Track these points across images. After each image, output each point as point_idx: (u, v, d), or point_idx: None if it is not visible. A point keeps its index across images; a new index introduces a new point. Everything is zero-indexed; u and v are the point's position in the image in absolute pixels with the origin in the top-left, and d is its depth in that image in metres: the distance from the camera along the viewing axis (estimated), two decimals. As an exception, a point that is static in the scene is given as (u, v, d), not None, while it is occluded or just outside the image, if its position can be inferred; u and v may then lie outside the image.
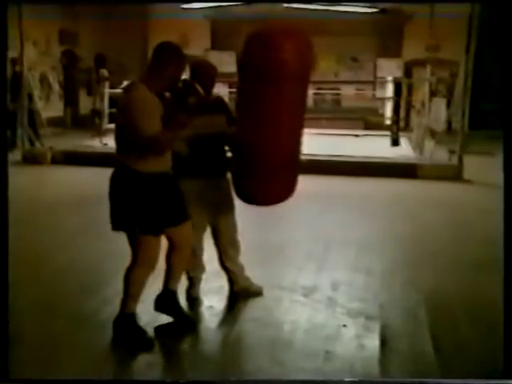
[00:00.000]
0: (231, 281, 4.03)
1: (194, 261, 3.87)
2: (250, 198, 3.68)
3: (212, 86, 3.80)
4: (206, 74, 3.73)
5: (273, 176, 3.48)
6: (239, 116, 3.58)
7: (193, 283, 3.96)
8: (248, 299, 3.97)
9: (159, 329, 3.49)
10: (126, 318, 3.33)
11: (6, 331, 2.43)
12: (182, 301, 3.90)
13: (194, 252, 3.84)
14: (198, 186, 3.65)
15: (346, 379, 3.01)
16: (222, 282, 4.08)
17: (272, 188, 3.57)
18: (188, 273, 3.92)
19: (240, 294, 4.02)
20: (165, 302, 3.54)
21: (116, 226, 3.38)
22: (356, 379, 3.02)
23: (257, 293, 4.03)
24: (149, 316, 3.55)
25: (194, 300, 3.93)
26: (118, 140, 3.25)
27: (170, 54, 3.22)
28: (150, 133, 2.99)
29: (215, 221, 3.88)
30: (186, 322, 3.60)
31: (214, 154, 3.76)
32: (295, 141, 3.54)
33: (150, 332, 3.41)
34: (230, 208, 3.92)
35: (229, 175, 3.84)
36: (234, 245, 3.98)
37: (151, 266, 3.32)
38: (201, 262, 3.95)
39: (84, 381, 3.00)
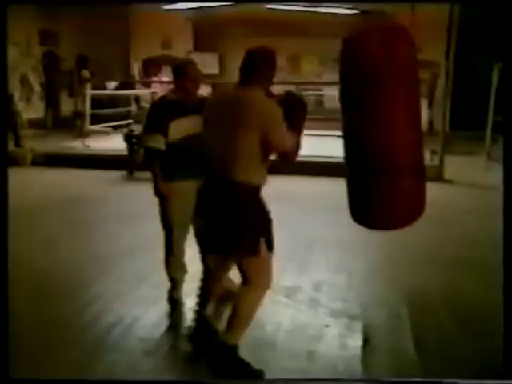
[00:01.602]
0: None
1: (176, 262, 3.88)
2: (372, 221, 2.99)
3: (198, 86, 3.79)
4: (192, 74, 3.71)
5: (400, 192, 2.85)
6: (348, 130, 2.95)
7: (175, 285, 3.95)
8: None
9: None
10: (230, 351, 3.01)
11: (6, 331, 2.41)
12: (164, 303, 3.91)
13: (174, 253, 3.84)
14: (181, 188, 3.65)
15: (346, 379, 3.03)
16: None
17: (399, 206, 2.89)
18: (169, 274, 3.92)
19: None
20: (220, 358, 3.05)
21: (218, 249, 3.06)
22: (356, 379, 3.03)
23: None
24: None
25: (176, 302, 3.92)
26: (221, 150, 2.85)
27: (274, 57, 2.99)
28: (286, 142, 2.80)
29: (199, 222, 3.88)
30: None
31: (196, 154, 3.75)
32: (418, 147, 2.92)
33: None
34: None
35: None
36: None
37: (268, 286, 3.05)
38: (182, 263, 3.94)
39: (84, 381, 3.00)
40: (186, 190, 3.65)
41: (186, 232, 3.86)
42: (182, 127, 3.62)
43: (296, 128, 2.89)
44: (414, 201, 2.93)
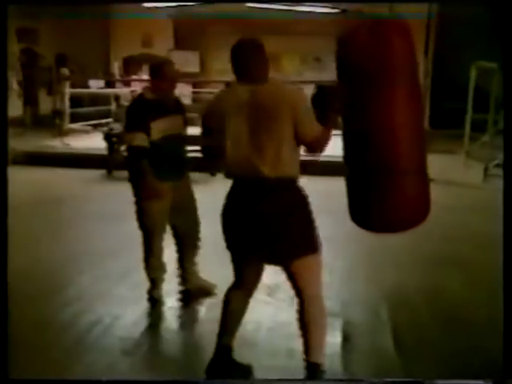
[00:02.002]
0: (185, 279, 4.03)
1: (156, 262, 3.86)
2: (374, 223, 2.94)
3: (175, 86, 3.79)
4: (169, 74, 3.68)
5: (403, 192, 2.80)
6: (349, 131, 2.94)
7: (155, 285, 3.93)
8: (210, 298, 3.97)
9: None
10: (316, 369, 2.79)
11: (6, 331, 2.41)
12: (144, 302, 3.89)
13: (154, 253, 3.82)
14: (159, 187, 3.63)
15: (347, 379, 3.04)
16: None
17: (401, 207, 2.83)
18: (149, 274, 3.90)
19: (194, 292, 4.02)
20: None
21: (271, 254, 2.74)
22: (356, 379, 3.04)
23: (210, 291, 4.04)
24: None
25: (156, 301, 3.90)
26: (259, 149, 2.64)
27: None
28: (316, 131, 2.68)
29: (176, 221, 3.87)
30: None
31: (178, 155, 3.76)
32: (420, 145, 2.92)
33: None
34: (191, 208, 3.92)
35: (191, 175, 3.86)
36: (194, 244, 3.99)
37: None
38: (162, 262, 3.92)
39: (84, 381, 2.98)
40: (166, 190, 3.65)
41: (164, 232, 3.85)
42: (161, 127, 3.61)
43: (328, 122, 2.72)
44: (417, 202, 2.87)
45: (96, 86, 13.53)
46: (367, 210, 2.87)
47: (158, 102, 3.64)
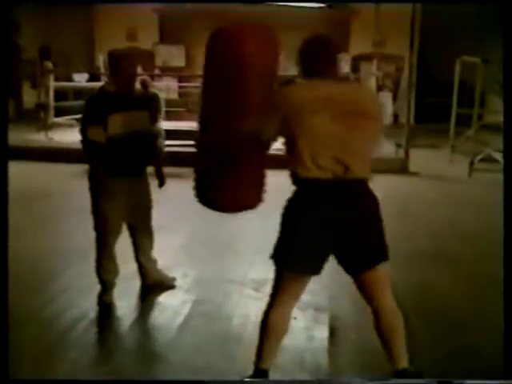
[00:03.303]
0: (143, 275, 4.00)
1: (110, 263, 3.79)
2: (214, 204, 3.14)
3: (132, 80, 3.65)
4: (125, 68, 3.55)
5: (240, 178, 3.00)
6: (204, 112, 3.13)
7: (107, 287, 3.81)
8: (198, 293, 3.97)
9: None
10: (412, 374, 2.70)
11: (6, 331, 2.38)
12: (128, 298, 3.86)
13: (109, 253, 3.76)
14: (116, 185, 3.57)
15: (347, 379, 3.02)
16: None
17: (240, 192, 3.06)
18: (101, 275, 3.79)
19: (152, 287, 4.00)
20: None
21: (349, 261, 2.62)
22: (357, 379, 3.02)
23: (169, 285, 4.03)
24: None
25: (108, 305, 3.79)
26: (346, 148, 2.50)
27: None
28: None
29: (133, 219, 3.83)
30: None
31: (133, 152, 3.62)
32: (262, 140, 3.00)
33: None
34: (148, 206, 3.89)
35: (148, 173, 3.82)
36: (149, 241, 3.96)
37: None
38: (116, 264, 3.82)
39: (84, 381, 2.95)
40: (123, 188, 3.60)
41: (119, 232, 3.76)
42: (121, 122, 3.50)
43: None
44: (257, 188, 3.12)
45: (81, 79, 13.37)
46: (214, 192, 3.03)
47: (118, 96, 3.53)
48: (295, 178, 2.55)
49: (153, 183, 3.89)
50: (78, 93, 12.94)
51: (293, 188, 2.59)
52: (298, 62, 2.65)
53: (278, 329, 2.68)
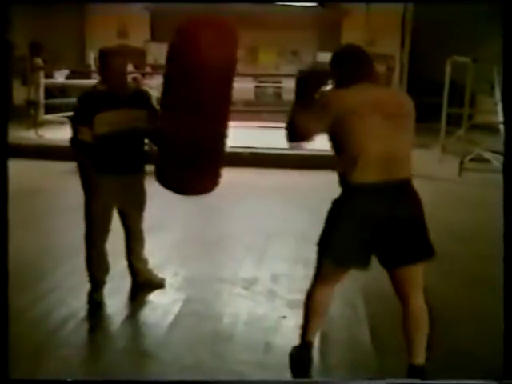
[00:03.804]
0: (134, 273, 4.00)
1: (101, 261, 3.78)
2: (173, 188, 3.46)
3: (122, 78, 3.65)
4: (113, 66, 3.53)
5: (196, 166, 3.31)
6: (163, 106, 3.41)
7: (97, 285, 3.80)
8: (185, 292, 3.96)
9: None
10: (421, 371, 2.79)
11: (6, 331, 2.38)
12: (120, 295, 3.85)
13: (99, 251, 3.75)
14: (107, 183, 3.56)
15: (347, 379, 3.04)
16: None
17: (196, 178, 3.40)
18: (92, 274, 3.78)
19: (142, 285, 4.00)
20: None
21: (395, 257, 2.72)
22: (358, 379, 3.03)
23: (159, 284, 4.03)
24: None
25: (98, 304, 3.77)
26: (392, 150, 2.61)
27: None
28: None
29: (126, 218, 3.84)
30: None
31: (129, 150, 3.62)
32: (218, 131, 3.37)
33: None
34: (142, 205, 3.88)
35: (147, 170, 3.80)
36: (141, 241, 3.95)
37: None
38: (107, 261, 3.81)
39: (84, 381, 2.94)
40: (114, 186, 3.59)
41: (109, 229, 3.74)
42: (109, 120, 3.48)
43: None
44: (211, 175, 3.44)
45: (62, 75, 13.16)
46: (179, 176, 3.36)
47: (107, 95, 3.52)
48: (344, 179, 2.65)
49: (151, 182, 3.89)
50: (62, 90, 12.82)
51: (340, 190, 2.70)
52: (335, 70, 2.73)
53: (321, 307, 2.88)
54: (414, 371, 2.76)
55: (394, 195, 2.61)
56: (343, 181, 2.67)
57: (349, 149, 2.59)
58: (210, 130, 3.28)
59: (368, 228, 2.61)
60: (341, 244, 2.66)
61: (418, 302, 2.77)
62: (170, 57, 3.23)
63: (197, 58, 3.04)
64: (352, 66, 2.70)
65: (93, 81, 13.14)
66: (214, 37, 3.08)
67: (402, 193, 2.65)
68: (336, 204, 2.70)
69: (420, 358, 2.77)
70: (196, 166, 3.30)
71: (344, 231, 2.65)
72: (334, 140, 2.65)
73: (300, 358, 2.94)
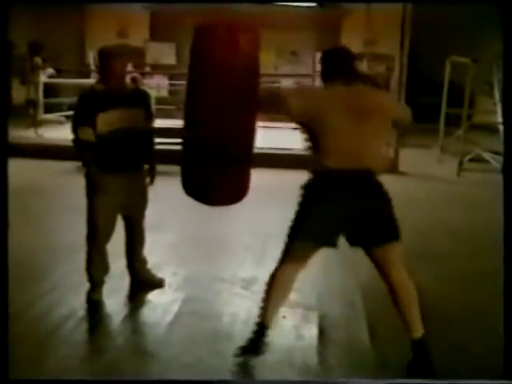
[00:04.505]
0: (133, 273, 4.00)
1: (101, 260, 3.77)
2: (202, 197, 3.32)
3: (122, 77, 3.65)
4: (113, 65, 3.53)
5: (226, 173, 3.19)
6: (188, 111, 3.26)
7: (96, 285, 3.79)
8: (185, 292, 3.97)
9: None
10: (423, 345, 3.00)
11: (6, 331, 2.38)
12: (119, 294, 3.85)
13: (100, 250, 3.75)
14: (109, 182, 3.56)
15: (348, 380, 3.03)
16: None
17: (225, 186, 3.25)
18: (91, 273, 3.77)
19: (142, 284, 4.00)
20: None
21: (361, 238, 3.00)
22: (358, 378, 3.02)
23: (158, 284, 4.03)
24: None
25: (96, 303, 3.77)
26: (358, 143, 2.91)
27: None
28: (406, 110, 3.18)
29: (129, 217, 3.84)
30: None
31: (130, 149, 3.62)
32: (247, 136, 3.30)
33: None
34: (143, 203, 3.88)
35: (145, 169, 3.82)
36: (142, 240, 3.96)
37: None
38: (107, 261, 3.81)
39: (84, 381, 2.94)
40: (115, 185, 3.58)
41: (112, 229, 3.73)
42: (111, 119, 3.49)
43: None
44: (245, 184, 3.42)
45: (47, 74, 13.03)
46: (206, 187, 3.24)
47: (108, 94, 3.52)
48: (315, 167, 2.93)
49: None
50: (55, 89, 12.76)
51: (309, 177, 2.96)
52: (320, 68, 3.04)
53: (285, 286, 3.06)
54: (415, 346, 2.95)
55: (356, 182, 2.85)
56: (313, 169, 2.94)
57: (317, 140, 2.88)
58: (239, 134, 3.20)
59: (336, 209, 2.86)
60: (317, 223, 2.90)
61: (400, 277, 2.96)
62: (194, 60, 3.16)
63: (225, 59, 3.01)
64: (328, 66, 3.00)
65: (84, 80, 13.16)
66: (240, 39, 3.05)
67: (364, 180, 2.88)
68: (307, 188, 2.96)
69: (417, 332, 2.95)
70: (225, 173, 3.18)
71: (319, 211, 2.89)
72: (308, 135, 2.94)
73: (253, 347, 3.05)
